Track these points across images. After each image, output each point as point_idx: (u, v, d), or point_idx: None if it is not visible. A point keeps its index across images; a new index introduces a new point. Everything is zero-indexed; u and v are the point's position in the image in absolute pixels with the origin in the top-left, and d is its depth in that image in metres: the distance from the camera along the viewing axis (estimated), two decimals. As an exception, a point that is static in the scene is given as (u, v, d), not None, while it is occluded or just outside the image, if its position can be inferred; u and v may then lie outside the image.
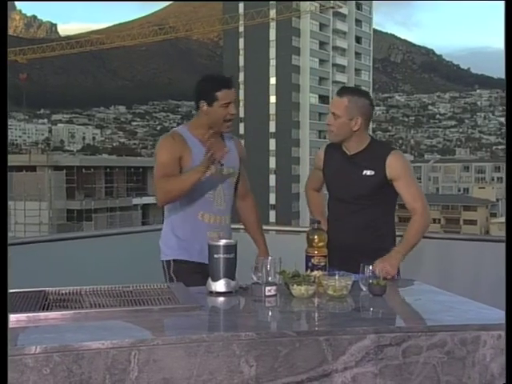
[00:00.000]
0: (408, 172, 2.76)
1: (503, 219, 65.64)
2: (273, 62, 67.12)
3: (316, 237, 2.52)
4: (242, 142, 3.37)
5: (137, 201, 43.06)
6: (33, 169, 38.50)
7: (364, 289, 2.35)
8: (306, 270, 2.48)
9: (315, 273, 2.42)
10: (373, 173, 2.71)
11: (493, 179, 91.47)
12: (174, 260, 2.76)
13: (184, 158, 2.71)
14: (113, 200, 41.76)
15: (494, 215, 72.27)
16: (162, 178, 2.69)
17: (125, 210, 41.75)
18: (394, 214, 2.85)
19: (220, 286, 2.30)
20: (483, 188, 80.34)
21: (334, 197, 2.87)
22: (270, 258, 2.35)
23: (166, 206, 2.81)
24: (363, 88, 76.01)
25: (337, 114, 2.71)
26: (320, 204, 3.04)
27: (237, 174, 2.89)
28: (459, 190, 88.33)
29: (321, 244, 2.51)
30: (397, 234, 2.85)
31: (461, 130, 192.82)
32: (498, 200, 77.22)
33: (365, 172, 2.72)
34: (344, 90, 2.77)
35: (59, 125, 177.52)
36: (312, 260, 2.49)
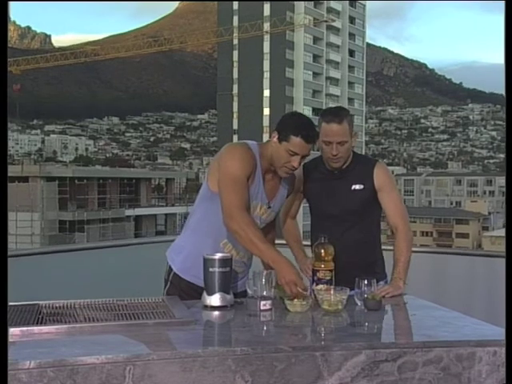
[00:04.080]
0: (392, 183, 2.78)
1: (495, 233, 65.80)
2: (266, 75, 67.45)
3: (322, 250, 2.49)
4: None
5: (130, 212, 42.91)
6: (25, 179, 38.33)
7: (359, 303, 2.34)
8: (312, 283, 2.46)
9: (320, 287, 2.41)
10: (362, 186, 2.69)
11: (485, 193, 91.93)
12: (174, 273, 2.62)
13: (249, 178, 2.47)
14: (105, 211, 41.59)
15: (486, 229, 72.49)
16: (242, 211, 2.40)
17: (117, 221, 41.58)
18: (380, 225, 2.85)
19: (215, 300, 2.29)
20: (475, 201, 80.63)
21: (322, 215, 2.79)
22: (265, 271, 2.34)
23: (198, 213, 2.62)
24: (356, 101, 76.25)
25: (343, 141, 2.62)
26: (296, 233, 2.96)
27: (274, 217, 2.69)
28: (451, 204, 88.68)
29: (327, 258, 2.48)
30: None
31: (453, 144, 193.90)
32: (490, 213, 77.52)
33: (354, 186, 2.69)
34: (339, 115, 2.64)
35: (52, 135, 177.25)
36: (317, 274, 2.47)
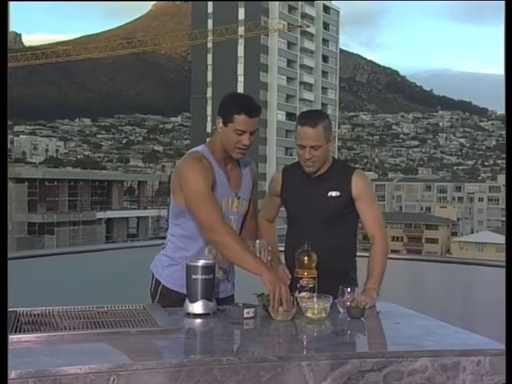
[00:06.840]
0: (371, 193, 2.78)
1: (464, 238, 66.85)
2: (241, 79, 67.51)
3: (306, 258, 2.48)
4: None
5: (101, 215, 42.45)
6: (-6, 180, 37.62)
7: (342, 311, 2.34)
8: (295, 291, 2.45)
9: (303, 294, 2.40)
10: (338, 194, 2.67)
11: (454, 199, 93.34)
12: (163, 286, 2.58)
13: (212, 185, 2.48)
14: (76, 214, 41.06)
15: (454, 234, 73.63)
16: (223, 223, 2.40)
17: (88, 224, 41.07)
18: (357, 233, 2.84)
19: (198, 307, 2.26)
20: (445, 207, 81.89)
21: (297, 220, 2.78)
22: (257, 241, 2.46)
23: (177, 229, 2.59)
24: (330, 106, 76.69)
25: (317, 145, 2.60)
26: (272, 239, 2.83)
27: (247, 206, 2.66)
28: (421, 209, 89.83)
29: (311, 265, 2.47)
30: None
31: (423, 150, 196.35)
32: (458, 219, 78.80)
33: (330, 193, 2.68)
34: (314, 119, 2.63)
35: (21, 136, 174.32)
36: (300, 281, 2.46)
